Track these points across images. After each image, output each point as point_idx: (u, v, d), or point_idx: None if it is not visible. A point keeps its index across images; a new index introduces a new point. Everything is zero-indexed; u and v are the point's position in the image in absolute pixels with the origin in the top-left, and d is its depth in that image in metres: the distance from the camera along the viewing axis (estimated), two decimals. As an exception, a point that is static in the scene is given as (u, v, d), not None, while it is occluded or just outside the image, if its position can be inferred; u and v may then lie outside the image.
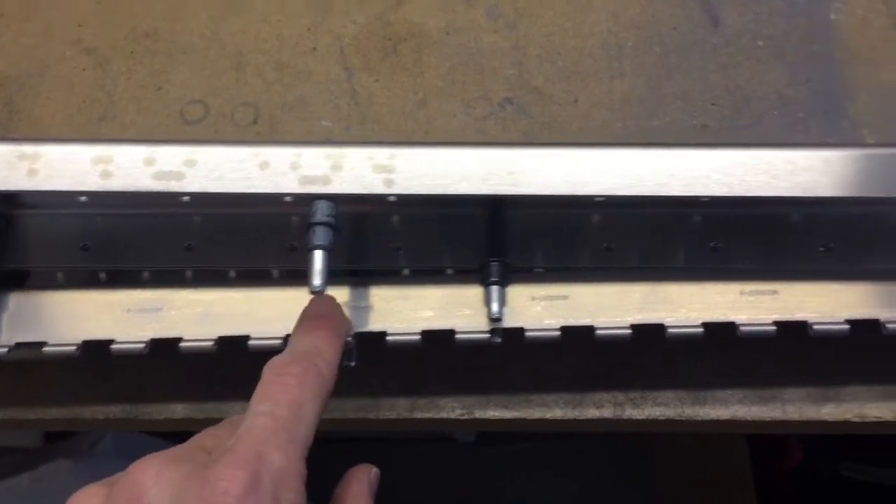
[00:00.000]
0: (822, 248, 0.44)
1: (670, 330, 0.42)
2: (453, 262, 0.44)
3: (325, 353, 0.34)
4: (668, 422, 0.47)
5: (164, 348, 0.43)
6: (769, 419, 0.46)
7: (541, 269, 0.45)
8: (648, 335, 0.43)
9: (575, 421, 0.47)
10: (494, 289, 0.41)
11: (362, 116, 0.56)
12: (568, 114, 0.55)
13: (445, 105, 0.56)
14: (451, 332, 0.41)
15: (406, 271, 0.45)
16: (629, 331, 0.42)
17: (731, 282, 0.43)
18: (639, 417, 0.47)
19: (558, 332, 0.42)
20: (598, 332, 0.42)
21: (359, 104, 0.56)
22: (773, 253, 0.44)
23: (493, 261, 0.42)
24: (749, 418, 0.46)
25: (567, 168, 0.39)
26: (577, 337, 0.43)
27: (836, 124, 0.54)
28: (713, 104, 0.55)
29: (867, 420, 0.46)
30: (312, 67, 0.57)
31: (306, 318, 0.36)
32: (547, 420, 0.47)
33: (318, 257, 0.37)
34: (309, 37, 0.58)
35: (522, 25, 0.58)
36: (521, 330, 0.42)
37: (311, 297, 0.37)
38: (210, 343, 0.42)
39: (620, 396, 0.47)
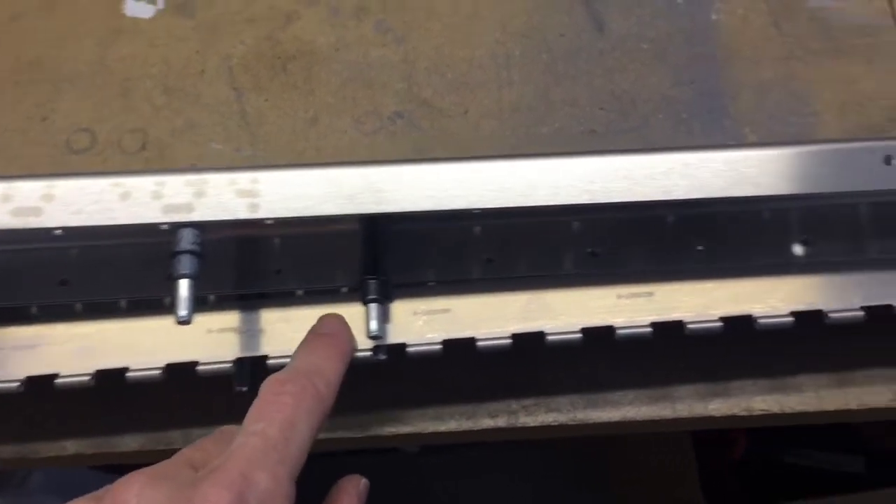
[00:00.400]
0: (699, 248, 0.44)
1: (550, 337, 0.42)
2: (334, 282, 0.43)
3: (326, 372, 0.34)
4: (562, 427, 0.47)
5: (42, 386, 0.42)
6: (659, 418, 0.47)
7: (430, 283, 0.45)
8: (534, 343, 0.43)
9: (470, 432, 0.47)
10: (373, 306, 0.41)
11: (253, 137, 0.55)
12: (458, 125, 0.55)
13: (336, 122, 0.56)
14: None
15: (300, 292, 0.45)
16: (510, 340, 0.42)
17: (610, 286, 0.43)
18: (532, 424, 0.47)
19: (440, 346, 0.42)
20: (480, 343, 0.42)
21: (249, 125, 0.56)
22: (650, 255, 0.44)
23: (370, 278, 0.42)
24: (640, 418, 0.47)
25: (434, 183, 0.39)
26: (460, 350, 0.43)
27: (719, 123, 0.54)
28: (600, 109, 0.55)
29: (754, 413, 0.46)
30: (201, 90, 0.57)
31: (310, 335, 0.36)
32: (441, 433, 0.47)
33: (184, 286, 0.37)
34: (197, 59, 0.58)
35: (411, 39, 0.58)
36: (402, 346, 0.42)
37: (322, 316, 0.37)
38: (87, 377, 0.41)
39: (514, 405, 0.48)
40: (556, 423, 0.47)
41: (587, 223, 0.44)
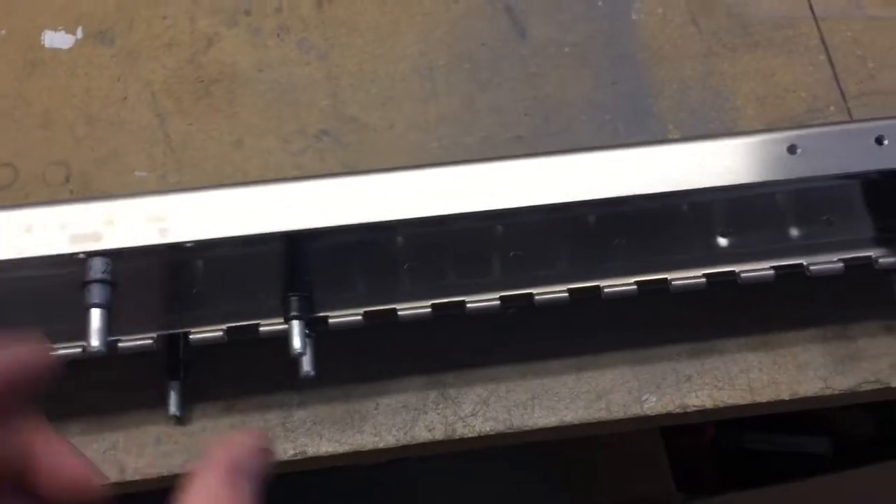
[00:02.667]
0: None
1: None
2: (257, 303, 0.43)
3: None
4: (500, 435, 0.47)
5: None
6: (595, 420, 0.46)
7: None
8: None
9: (407, 447, 0.47)
10: (295, 324, 0.41)
11: (178, 163, 0.55)
12: (384, 139, 0.55)
13: (261, 143, 0.55)
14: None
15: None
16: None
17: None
18: (470, 435, 0.47)
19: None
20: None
21: (174, 151, 0.55)
22: (573, 255, 0.44)
23: (293, 295, 0.41)
24: (576, 422, 0.47)
25: (345, 196, 0.39)
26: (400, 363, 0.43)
27: (643, 123, 0.55)
28: (525, 114, 0.56)
29: (689, 410, 0.46)
30: (124, 117, 0.56)
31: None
32: (380, 450, 0.47)
33: (96, 316, 0.36)
34: (119, 87, 0.57)
35: (334, 56, 0.58)
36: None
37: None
38: None
39: (451, 417, 0.47)
40: (493, 433, 0.47)
41: (510, 227, 0.44)
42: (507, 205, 0.39)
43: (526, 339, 0.49)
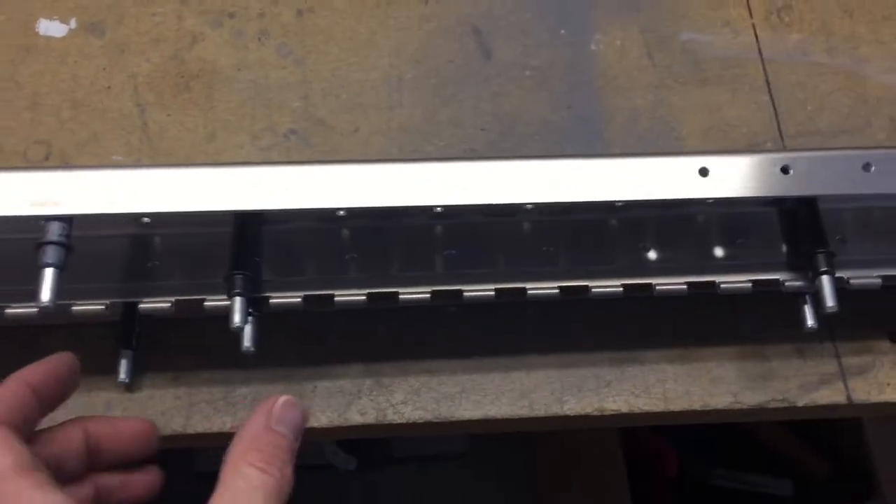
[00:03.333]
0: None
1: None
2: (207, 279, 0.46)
3: None
4: (427, 424, 0.50)
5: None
6: (517, 417, 0.49)
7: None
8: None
9: (339, 428, 0.50)
10: (237, 300, 0.44)
11: (153, 150, 0.58)
12: (348, 142, 0.59)
13: (233, 137, 0.59)
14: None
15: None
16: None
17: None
18: (399, 422, 0.50)
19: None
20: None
21: (150, 139, 0.58)
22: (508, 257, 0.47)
23: (237, 273, 0.44)
24: (500, 417, 0.49)
25: (298, 184, 0.42)
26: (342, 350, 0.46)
27: (591, 146, 0.58)
28: (482, 129, 0.59)
29: (605, 413, 0.49)
30: (107, 105, 0.59)
31: None
32: (314, 429, 0.50)
33: (48, 275, 0.39)
34: (104, 76, 0.61)
35: (309, 62, 0.61)
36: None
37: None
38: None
39: (383, 403, 0.50)
40: (421, 421, 0.50)
41: (449, 227, 0.48)
42: (443, 202, 0.42)
43: (462, 336, 0.52)
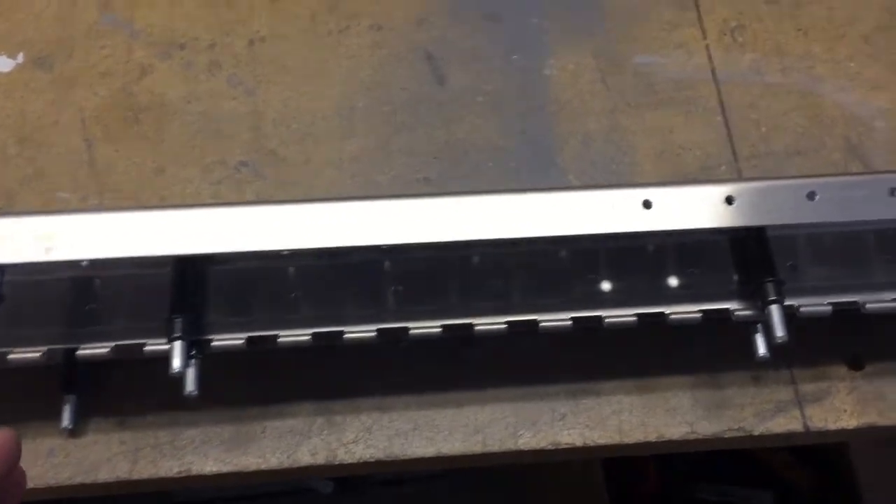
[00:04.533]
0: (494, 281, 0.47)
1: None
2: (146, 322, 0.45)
3: None
4: (379, 463, 0.49)
5: None
6: (470, 453, 0.48)
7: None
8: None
9: (289, 470, 0.49)
10: (177, 344, 0.43)
11: (100, 186, 0.57)
12: (300, 173, 0.58)
13: (182, 171, 0.58)
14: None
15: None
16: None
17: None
18: (350, 461, 0.49)
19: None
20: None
21: (97, 174, 0.57)
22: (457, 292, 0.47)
23: (176, 317, 0.43)
24: (453, 453, 0.49)
25: (239, 224, 0.42)
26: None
27: (545, 171, 0.58)
28: (435, 157, 0.58)
29: (560, 447, 0.48)
30: (54, 140, 0.59)
31: None
32: (264, 471, 0.49)
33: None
34: (52, 110, 0.60)
35: (261, 92, 0.61)
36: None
37: None
38: None
39: (334, 443, 0.49)
40: (372, 460, 0.49)
41: (396, 263, 0.47)
42: (381, 242, 0.41)
43: (416, 370, 0.51)
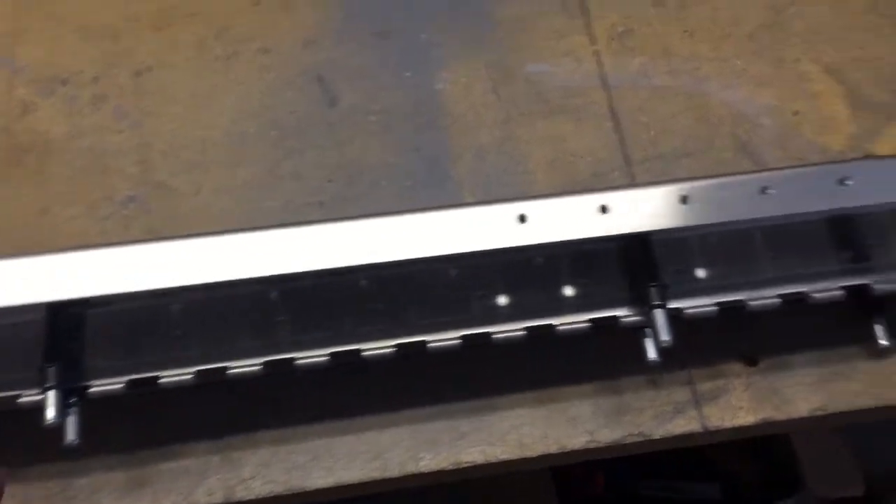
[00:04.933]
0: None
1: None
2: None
3: None
4: (278, 498, 0.48)
5: None
6: (370, 479, 0.48)
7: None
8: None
9: (186, 511, 0.47)
10: (50, 394, 0.41)
11: (-19, 231, 0.55)
12: (190, 205, 0.57)
13: (68, 210, 0.56)
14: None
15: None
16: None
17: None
18: (249, 498, 0.48)
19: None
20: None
21: (-22, 219, 0.56)
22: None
23: (49, 365, 0.42)
24: (353, 482, 0.48)
25: (110, 266, 0.40)
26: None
27: (441, 187, 0.57)
28: (329, 181, 0.57)
29: (462, 466, 0.48)
30: (-68, 186, 0.56)
31: None
32: (160, 514, 0.47)
33: None
34: (-71, 155, 0.58)
35: (148, 123, 0.59)
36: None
37: None
38: None
39: (232, 480, 0.48)
40: (272, 495, 0.48)
41: (284, 293, 0.46)
42: (258, 274, 0.41)
43: (312, 398, 0.50)
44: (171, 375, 0.44)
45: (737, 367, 0.50)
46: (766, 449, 1.26)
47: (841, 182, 0.44)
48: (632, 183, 0.54)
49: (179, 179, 0.57)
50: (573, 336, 0.47)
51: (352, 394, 0.50)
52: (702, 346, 0.50)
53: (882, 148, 0.57)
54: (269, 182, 0.57)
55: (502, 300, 0.46)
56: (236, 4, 0.64)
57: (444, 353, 0.46)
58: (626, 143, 0.58)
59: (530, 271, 0.46)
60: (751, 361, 0.50)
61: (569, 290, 0.46)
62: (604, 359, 0.51)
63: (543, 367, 0.51)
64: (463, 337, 0.44)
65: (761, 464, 1.27)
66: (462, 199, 0.57)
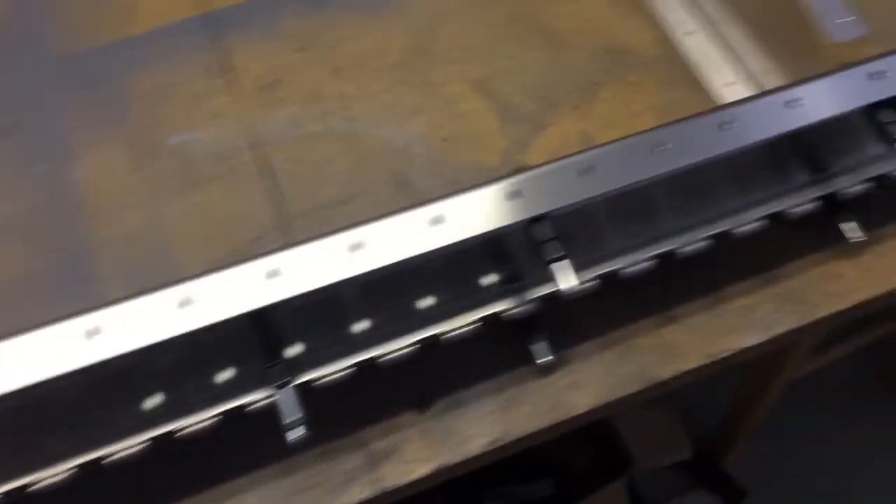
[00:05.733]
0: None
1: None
2: None
3: None
4: None
5: None
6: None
7: None
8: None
9: None
10: None
11: None
12: None
13: None
14: None
15: None
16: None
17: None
18: None
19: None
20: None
21: None
22: None
23: None
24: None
25: None
26: None
27: (84, 288, 0.52)
28: (-41, 305, 0.52)
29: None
30: None
31: None
32: None
33: None
34: None
35: None
36: None
37: None
38: None
39: None
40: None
41: None
42: None
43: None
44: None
45: (411, 415, 0.48)
46: (593, 435, 1.28)
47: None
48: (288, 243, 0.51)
49: None
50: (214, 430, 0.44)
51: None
52: (375, 402, 0.48)
53: (533, 158, 0.56)
54: None
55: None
56: None
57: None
58: (285, 199, 0.56)
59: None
60: (423, 406, 0.48)
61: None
62: (255, 443, 0.47)
63: (216, 456, 0.47)
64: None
65: (591, 450, 1.30)
66: (108, 296, 0.52)
